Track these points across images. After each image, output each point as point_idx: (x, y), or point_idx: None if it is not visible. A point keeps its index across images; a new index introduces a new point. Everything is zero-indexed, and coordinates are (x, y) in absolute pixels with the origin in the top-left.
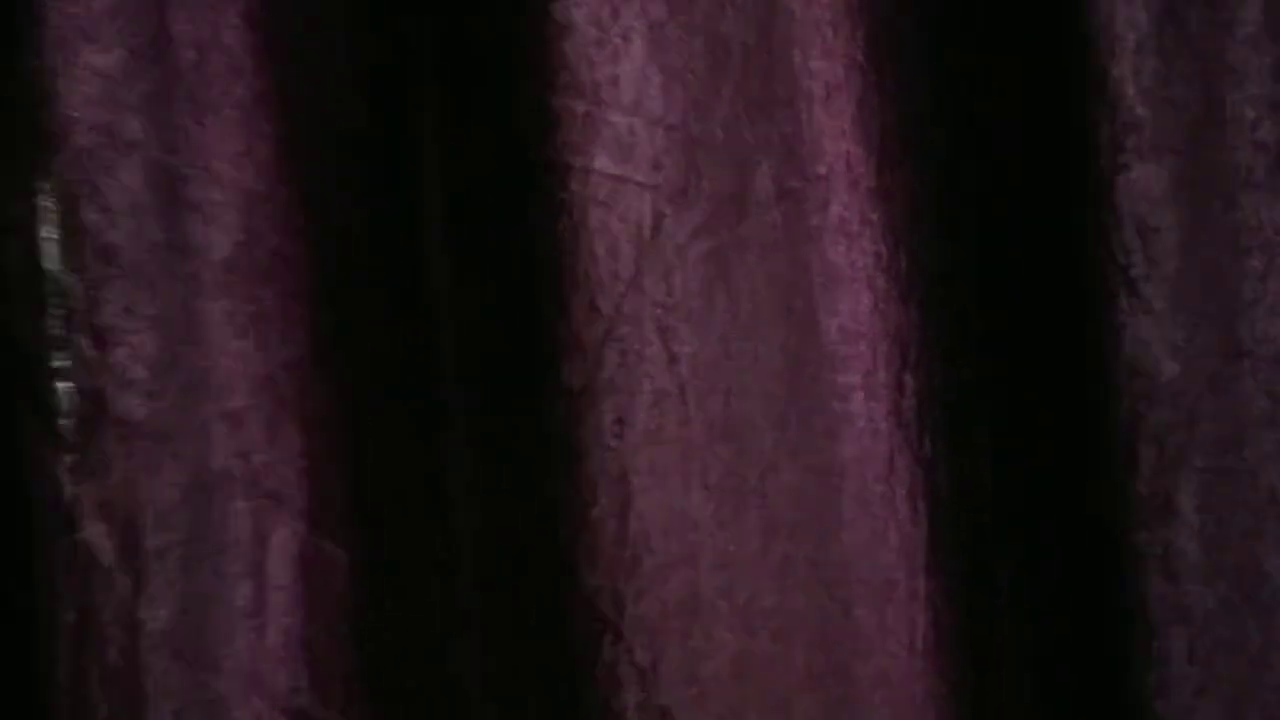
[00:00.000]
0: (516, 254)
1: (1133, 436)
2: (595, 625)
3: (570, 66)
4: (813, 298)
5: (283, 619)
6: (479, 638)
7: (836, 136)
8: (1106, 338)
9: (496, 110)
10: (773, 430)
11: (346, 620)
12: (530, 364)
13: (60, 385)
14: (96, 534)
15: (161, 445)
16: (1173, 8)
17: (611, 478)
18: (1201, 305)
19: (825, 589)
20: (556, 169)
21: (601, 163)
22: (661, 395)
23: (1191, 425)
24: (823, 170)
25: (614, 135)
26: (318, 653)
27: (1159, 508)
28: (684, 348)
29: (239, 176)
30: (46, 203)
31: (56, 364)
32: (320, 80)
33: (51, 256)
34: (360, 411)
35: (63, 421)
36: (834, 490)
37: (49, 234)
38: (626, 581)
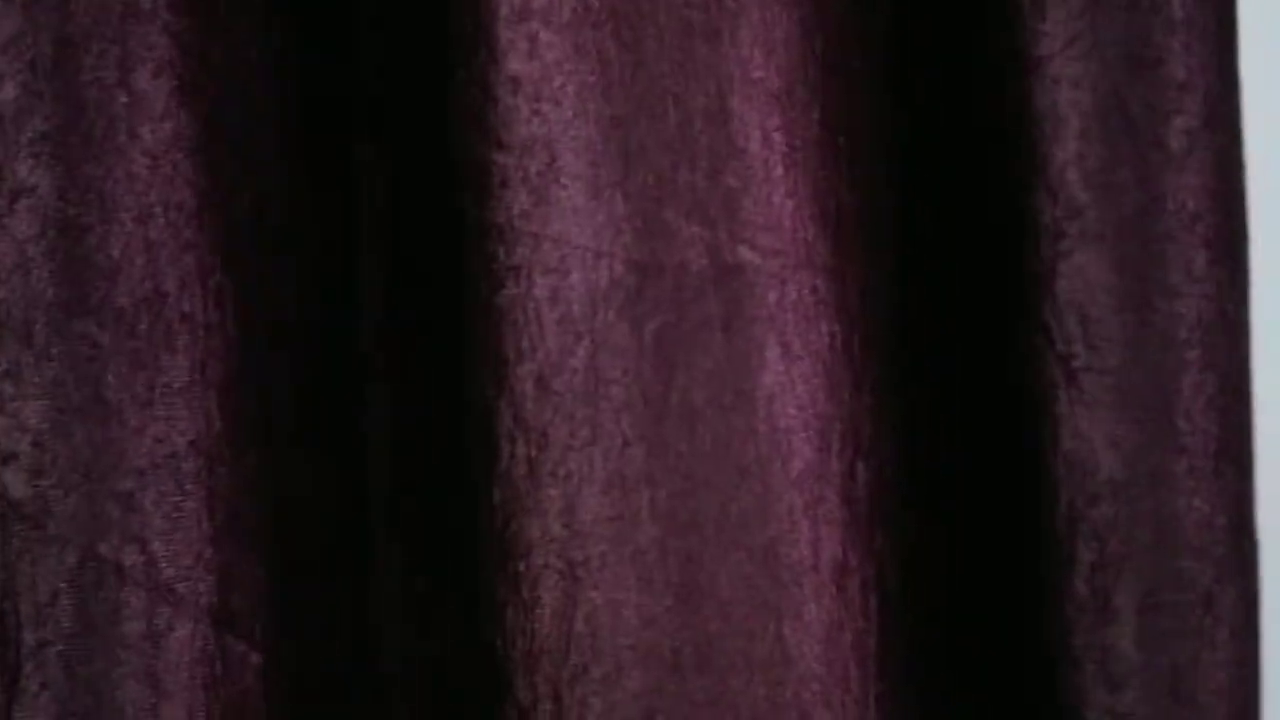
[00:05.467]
0: (458, 326)
1: (1072, 533)
2: None
3: (520, 123)
4: (767, 379)
5: None
6: None
7: (793, 212)
8: (1046, 430)
9: (439, 172)
10: (727, 521)
11: None
12: (469, 444)
13: None
14: None
15: (43, 529)
16: (1116, 95)
17: (557, 573)
18: (1142, 398)
19: (782, 691)
20: (503, 233)
21: (554, 227)
22: (614, 482)
23: (1132, 523)
24: (779, 245)
25: (568, 198)
26: None
27: (1098, 608)
28: (639, 430)
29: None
30: None
31: None
32: (247, 135)
33: None
34: (279, 500)
35: None
36: (788, 586)
37: None
38: (571, 690)
